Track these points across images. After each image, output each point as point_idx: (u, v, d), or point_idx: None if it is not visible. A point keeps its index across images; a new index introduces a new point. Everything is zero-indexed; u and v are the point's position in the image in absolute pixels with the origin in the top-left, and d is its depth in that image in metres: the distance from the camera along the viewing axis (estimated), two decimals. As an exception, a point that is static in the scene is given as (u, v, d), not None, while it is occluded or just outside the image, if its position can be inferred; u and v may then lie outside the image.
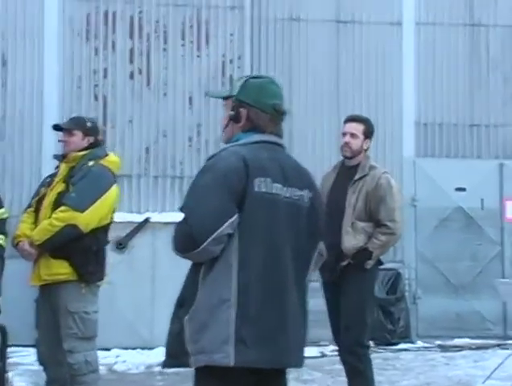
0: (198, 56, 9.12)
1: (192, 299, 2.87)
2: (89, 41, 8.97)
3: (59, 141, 5.14)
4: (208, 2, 9.17)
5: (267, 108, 3.04)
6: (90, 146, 4.92)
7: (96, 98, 8.93)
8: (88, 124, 4.97)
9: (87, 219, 4.66)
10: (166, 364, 2.92)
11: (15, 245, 4.85)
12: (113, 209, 4.90)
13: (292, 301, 2.95)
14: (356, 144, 5.28)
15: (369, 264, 5.17)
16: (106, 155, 4.97)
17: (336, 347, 5.49)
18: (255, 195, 2.91)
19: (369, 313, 5.32)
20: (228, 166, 2.89)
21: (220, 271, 2.86)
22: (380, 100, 9.56)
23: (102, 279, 4.83)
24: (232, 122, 3.06)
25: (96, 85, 8.92)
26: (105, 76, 8.94)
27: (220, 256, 2.86)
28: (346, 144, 5.31)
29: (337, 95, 9.49)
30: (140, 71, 9.02)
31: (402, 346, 8.93)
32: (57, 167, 5.01)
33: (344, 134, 5.35)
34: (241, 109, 3.05)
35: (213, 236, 2.82)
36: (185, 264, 3.04)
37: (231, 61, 9.17)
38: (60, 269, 4.68)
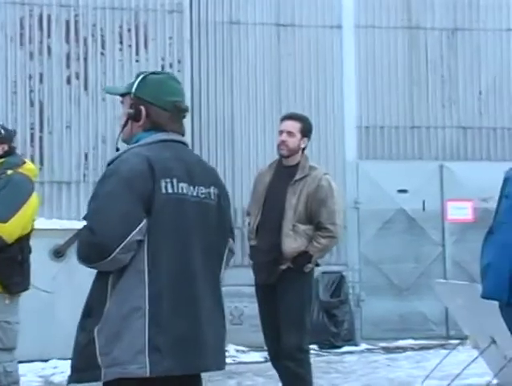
0: (137, 61, 9.02)
1: (101, 309, 2.73)
2: (24, 46, 8.79)
3: None
4: (146, 5, 9.07)
5: (167, 106, 2.92)
6: (5, 154, 4.79)
7: (32, 104, 8.76)
8: (2, 131, 4.85)
9: (10, 230, 4.57)
10: (72, 380, 2.76)
11: None
12: (34, 217, 4.80)
13: (206, 304, 2.85)
14: (293, 142, 5.15)
15: (309, 267, 5.10)
16: (24, 163, 4.87)
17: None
18: (162, 197, 2.80)
19: (308, 317, 5.25)
20: (132, 169, 2.77)
21: (131, 279, 2.73)
22: (322, 104, 9.56)
23: (27, 289, 4.72)
24: (131, 121, 2.96)
25: (31, 90, 8.75)
26: (41, 81, 8.77)
27: (130, 264, 2.74)
28: (283, 142, 5.18)
29: (279, 98, 9.47)
30: (77, 76, 8.87)
31: (346, 349, 8.92)
32: None
33: (280, 132, 5.22)
34: (141, 107, 2.93)
35: (122, 245, 2.69)
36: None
37: (171, 65, 9.08)
38: None
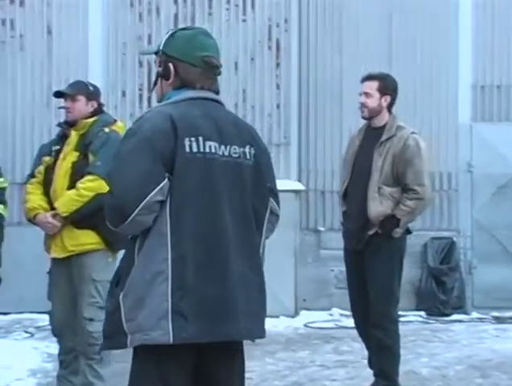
0: (243, 20, 8.91)
1: (127, 275, 2.67)
2: (133, 7, 8.87)
3: (59, 108, 5.06)
4: (253, -36, 8.93)
5: (196, 62, 2.80)
6: (95, 112, 4.78)
7: (141, 64, 8.85)
8: (91, 88, 4.85)
9: None
10: (102, 347, 2.74)
11: (32, 218, 4.75)
12: None
13: (239, 268, 2.72)
14: (371, 102, 5.02)
15: (397, 232, 4.92)
16: (115, 121, 4.85)
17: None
18: (186, 156, 2.68)
19: (397, 285, 5.06)
20: (153, 127, 2.67)
21: (154, 242, 2.65)
22: (434, 61, 9.14)
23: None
24: (161, 79, 2.86)
25: (140, 51, 8.83)
26: (149, 42, 8.82)
27: (153, 226, 2.65)
28: (362, 104, 5.07)
29: (389, 56, 9.13)
30: (184, 37, 8.86)
31: (455, 317, 8.61)
32: (60, 136, 4.87)
33: (360, 94, 5.11)
34: (169, 64, 2.82)
35: (141, 206, 2.61)
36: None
37: (278, 24, 8.91)
38: (88, 239, 4.62)
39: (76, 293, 4.71)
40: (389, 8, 9.15)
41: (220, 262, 2.70)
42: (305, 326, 8.12)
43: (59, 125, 4.99)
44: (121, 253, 4.48)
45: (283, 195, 9.06)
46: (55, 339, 6.71)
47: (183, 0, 8.89)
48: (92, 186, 4.57)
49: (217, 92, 2.89)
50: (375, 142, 4.99)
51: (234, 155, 2.79)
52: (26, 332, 7.57)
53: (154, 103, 9.49)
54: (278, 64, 8.89)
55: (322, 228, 9.04)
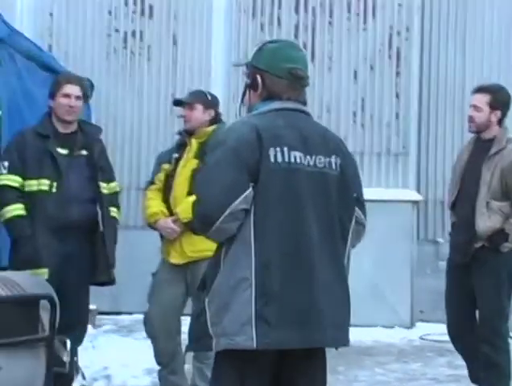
0: (364, 29, 8.90)
1: (213, 280, 2.76)
2: (255, 17, 9.04)
3: (178, 116, 5.16)
4: (376, -27, 8.91)
5: (282, 73, 2.87)
6: (213, 120, 4.84)
7: (261, 74, 9.00)
8: (209, 97, 4.92)
9: None
10: (188, 348, 2.84)
11: (153, 223, 4.84)
12: None
13: (324, 276, 2.77)
14: (479, 117, 4.91)
15: (506, 247, 4.84)
16: None
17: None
18: (271, 166, 2.75)
19: (507, 300, 4.97)
20: (239, 138, 2.76)
21: (238, 249, 2.73)
22: None
23: None
24: (249, 90, 2.93)
25: (261, 61, 8.98)
26: (270, 52, 8.96)
27: (238, 234, 2.74)
28: (470, 117, 4.98)
29: (515, 65, 8.89)
30: (305, 46, 8.92)
31: None
32: (180, 144, 4.97)
33: (470, 106, 5.03)
34: (257, 76, 2.90)
35: (226, 213, 2.69)
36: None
37: (398, 33, 8.85)
38: (205, 245, 4.46)
39: (185, 298, 4.80)
40: (515, 15, 8.90)
41: (304, 270, 2.76)
42: (420, 338, 8.01)
43: (179, 133, 5.10)
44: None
45: (401, 206, 9.00)
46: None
47: (304, 10, 8.98)
48: None
49: (305, 103, 2.95)
50: (484, 156, 4.90)
51: (319, 165, 2.84)
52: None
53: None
54: (398, 73, 8.84)
55: (441, 240, 8.88)
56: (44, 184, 4.63)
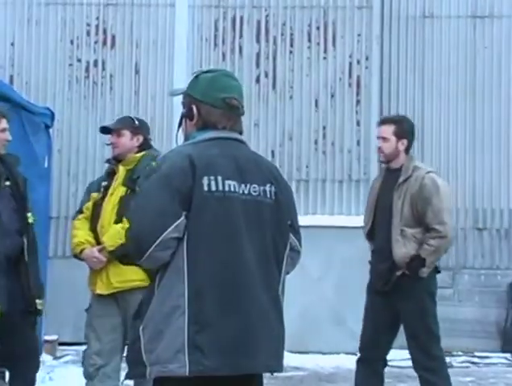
0: (324, 58, 9.02)
1: (148, 307, 2.78)
2: (217, 46, 9.12)
3: (107, 144, 5.07)
4: (335, 3, 9.04)
5: (217, 103, 2.90)
6: (142, 146, 4.73)
7: (224, 103, 9.06)
8: (136, 122, 4.81)
9: None
10: (126, 376, 2.84)
11: (78, 253, 4.71)
12: None
13: (259, 304, 2.78)
14: (387, 147, 5.06)
15: (424, 272, 4.94)
16: None
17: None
18: (204, 194, 2.77)
19: (434, 322, 5.04)
20: (171, 166, 2.79)
21: (171, 277, 2.75)
22: (518, 99, 8.99)
23: None
24: (185, 120, 2.97)
25: (222, 90, 9.04)
26: (232, 81, 9.03)
27: (171, 262, 2.75)
28: (379, 149, 5.15)
29: (473, 95, 9.02)
30: (266, 75, 9.05)
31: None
32: (109, 172, 4.88)
33: (377, 138, 5.18)
34: (192, 105, 2.94)
35: (157, 242, 2.71)
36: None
37: (358, 62, 8.99)
38: (133, 276, 4.45)
39: (121, 332, 4.61)
40: (474, 46, 9.05)
41: (239, 296, 2.78)
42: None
43: (107, 161, 4.99)
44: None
45: (361, 231, 9.01)
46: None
47: (266, 39, 9.08)
48: None
49: (241, 132, 2.99)
50: (394, 184, 5.03)
51: (254, 193, 2.87)
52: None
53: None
54: (358, 101, 8.95)
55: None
56: None
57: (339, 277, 8.52)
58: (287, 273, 2.99)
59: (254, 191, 2.87)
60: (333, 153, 8.90)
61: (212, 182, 2.80)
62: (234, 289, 2.77)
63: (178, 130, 3.01)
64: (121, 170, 4.72)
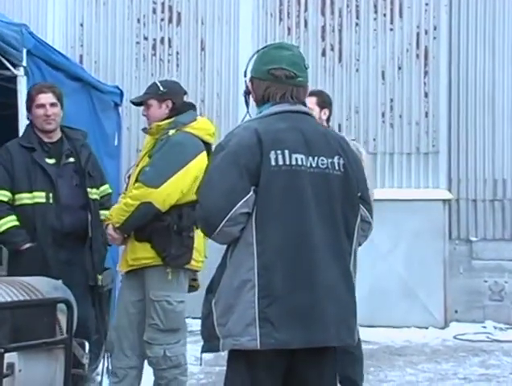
0: (391, 29, 8.88)
1: (219, 282, 2.81)
2: (282, 21, 9.08)
3: (143, 115, 4.74)
4: (403, -28, 8.88)
5: (263, 75, 2.92)
6: (173, 113, 4.41)
7: (289, 77, 9.03)
8: (162, 88, 4.47)
9: (163, 196, 4.21)
10: (202, 349, 2.87)
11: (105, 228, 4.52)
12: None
13: (328, 276, 2.78)
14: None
15: None
16: (194, 121, 4.41)
17: None
18: (272, 169, 2.78)
19: None
20: (239, 142, 2.80)
21: (241, 251, 2.77)
22: None
23: (189, 263, 4.34)
24: (249, 98, 2.99)
25: (289, 64, 9.01)
26: (298, 55, 8.99)
27: (241, 237, 2.78)
28: None
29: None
30: (332, 48, 8.97)
31: None
32: None
33: None
34: (249, 83, 2.98)
35: (227, 217, 2.74)
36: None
37: (426, 32, 8.82)
38: (144, 253, 4.30)
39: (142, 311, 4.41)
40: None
41: (308, 269, 2.78)
42: (454, 337, 7.96)
43: (143, 130, 4.73)
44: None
45: (432, 205, 8.93)
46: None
47: (331, 11, 8.99)
48: (136, 193, 4.28)
49: (304, 103, 2.98)
50: None
51: (322, 166, 2.87)
52: (178, 335, 7.91)
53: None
54: (426, 72, 8.80)
55: (474, 238, 8.83)
56: (40, 196, 4.56)
57: (408, 251, 8.45)
58: (359, 244, 2.99)
59: (322, 164, 2.87)
60: (401, 125, 8.79)
61: (280, 157, 2.81)
62: (303, 263, 2.78)
63: (248, 109, 3.03)
64: (148, 140, 4.52)
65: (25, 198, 4.58)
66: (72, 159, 4.69)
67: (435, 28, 8.82)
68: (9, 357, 2.85)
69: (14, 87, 5.81)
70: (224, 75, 9.10)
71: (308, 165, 2.84)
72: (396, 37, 8.86)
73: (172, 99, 4.45)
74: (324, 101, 5.37)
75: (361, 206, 2.96)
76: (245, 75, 3.01)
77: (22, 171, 4.59)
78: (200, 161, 4.28)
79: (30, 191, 4.58)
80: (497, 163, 8.75)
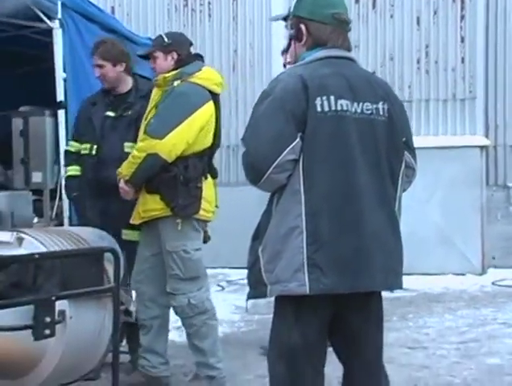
0: (426, -27, 8.73)
1: (265, 229, 2.80)
2: (315, -32, 8.93)
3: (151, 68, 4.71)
4: None
5: (327, 19, 2.83)
6: (179, 64, 4.33)
7: (322, 25, 8.93)
8: (166, 39, 4.41)
9: (168, 146, 4.16)
10: (247, 296, 2.89)
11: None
12: (209, 131, 4.30)
13: (375, 222, 2.77)
14: None
15: None
16: (199, 70, 4.30)
17: None
18: (318, 115, 2.74)
19: None
20: (284, 88, 2.75)
21: (288, 198, 2.76)
22: None
23: (197, 212, 4.29)
24: (294, 42, 2.93)
25: (322, 12, 8.90)
26: (330, 2, 8.88)
27: (288, 184, 2.76)
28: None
29: None
30: (365, -6, 8.86)
31: None
32: None
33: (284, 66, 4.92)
34: (301, 25, 2.88)
35: (274, 164, 2.71)
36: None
37: (460, -18, 8.65)
38: (154, 205, 4.28)
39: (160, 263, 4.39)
40: None
41: (354, 215, 2.77)
42: (493, 284, 7.95)
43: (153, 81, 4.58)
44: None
45: (469, 151, 8.86)
46: (244, 293, 7.01)
47: (364, -43, 8.84)
48: (141, 145, 4.25)
49: (349, 49, 2.94)
50: None
51: (367, 112, 2.83)
52: (218, 285, 8.02)
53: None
54: (462, 17, 8.65)
55: (511, 184, 8.76)
56: (85, 148, 4.69)
57: (445, 198, 8.41)
58: (404, 190, 2.98)
59: (367, 110, 2.83)
60: (437, 72, 8.68)
61: (325, 103, 2.76)
62: (350, 208, 2.77)
63: (286, 54, 2.99)
64: (155, 93, 4.44)
65: (82, 149, 4.74)
66: (130, 112, 4.67)
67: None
68: (60, 304, 2.91)
69: (47, 40, 5.83)
70: (256, 24, 9.03)
71: (353, 111, 2.80)
72: (432, -17, 8.70)
73: (177, 50, 4.39)
74: None
75: (406, 152, 2.94)
76: (289, 17, 2.95)
77: (84, 124, 4.73)
78: (207, 111, 4.26)
79: (81, 143, 4.74)
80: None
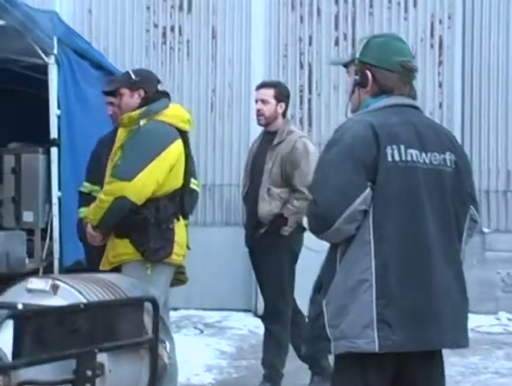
0: (405, 19, 8.81)
1: (329, 282, 2.70)
2: (295, 9, 8.95)
3: (107, 103, 4.74)
4: (412, -40, 8.80)
5: (393, 67, 2.80)
6: (146, 101, 4.20)
7: (301, 66, 8.93)
8: (134, 76, 4.29)
9: (138, 188, 4.02)
10: (310, 351, 2.76)
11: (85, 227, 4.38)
12: (179, 170, 4.18)
13: (442, 276, 2.70)
14: (268, 110, 5.20)
15: (286, 230, 5.11)
16: (166, 108, 4.22)
17: None
18: (388, 165, 2.67)
19: (289, 278, 5.24)
20: (354, 136, 2.68)
21: (357, 250, 2.67)
22: None
23: (169, 256, 4.18)
24: (358, 88, 2.85)
25: (301, 53, 8.91)
26: (310, 44, 8.90)
27: (356, 235, 2.67)
28: (258, 111, 5.24)
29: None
30: (345, 37, 8.87)
31: None
32: None
33: (256, 102, 5.28)
34: (366, 71, 2.82)
35: (344, 215, 2.63)
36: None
37: (440, 21, 8.76)
38: (124, 249, 4.15)
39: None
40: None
41: (423, 270, 2.70)
42: (472, 330, 7.90)
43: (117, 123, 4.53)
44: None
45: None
46: (225, 336, 6.84)
47: (344, 0, 8.89)
48: (108, 189, 4.13)
49: (414, 97, 2.89)
50: (268, 146, 5.20)
51: (435, 162, 2.79)
52: (195, 328, 7.82)
53: (315, 104, 9.54)
54: (440, 62, 8.74)
55: (487, 230, 8.81)
56: (97, 190, 4.54)
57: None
58: (466, 243, 2.91)
59: (435, 160, 2.78)
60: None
61: (396, 152, 2.70)
62: (418, 263, 2.69)
63: (349, 100, 2.90)
64: (120, 133, 4.32)
65: (94, 190, 4.66)
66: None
67: (449, 17, 8.76)
68: (99, 357, 2.73)
69: (37, 76, 5.67)
70: (235, 64, 8.96)
71: (422, 161, 2.75)
72: (410, 26, 8.79)
73: (145, 88, 4.26)
74: (282, 94, 5.28)
75: (470, 205, 2.88)
76: (354, 63, 2.87)
77: (94, 165, 4.71)
78: (175, 149, 4.13)
79: (93, 184, 4.71)
80: (510, 154, 8.73)
